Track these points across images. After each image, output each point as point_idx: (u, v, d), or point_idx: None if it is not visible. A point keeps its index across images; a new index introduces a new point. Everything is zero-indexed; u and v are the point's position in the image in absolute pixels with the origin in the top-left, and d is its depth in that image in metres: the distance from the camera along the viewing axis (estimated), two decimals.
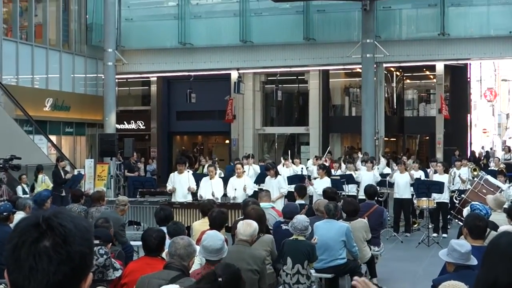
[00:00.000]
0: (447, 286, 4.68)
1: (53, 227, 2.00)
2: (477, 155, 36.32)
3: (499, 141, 79.66)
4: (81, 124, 28.86)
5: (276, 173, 16.21)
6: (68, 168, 21.23)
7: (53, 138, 26.18)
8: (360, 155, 23.01)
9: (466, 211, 9.46)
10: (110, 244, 7.53)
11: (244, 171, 16.71)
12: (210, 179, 15.49)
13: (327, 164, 19.80)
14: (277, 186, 15.71)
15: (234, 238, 8.87)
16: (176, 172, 15.93)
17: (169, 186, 15.87)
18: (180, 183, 15.56)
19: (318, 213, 10.43)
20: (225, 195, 16.07)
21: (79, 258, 2.01)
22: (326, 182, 15.89)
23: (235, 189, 15.51)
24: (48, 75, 26.73)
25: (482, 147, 51.67)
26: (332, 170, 20.31)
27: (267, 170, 16.48)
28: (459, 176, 18.13)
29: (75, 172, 21.66)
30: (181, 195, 15.48)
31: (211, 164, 17.58)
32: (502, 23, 25.94)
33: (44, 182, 19.89)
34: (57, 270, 1.97)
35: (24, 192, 17.89)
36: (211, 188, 15.06)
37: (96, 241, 7.17)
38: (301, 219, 8.72)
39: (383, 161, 21.66)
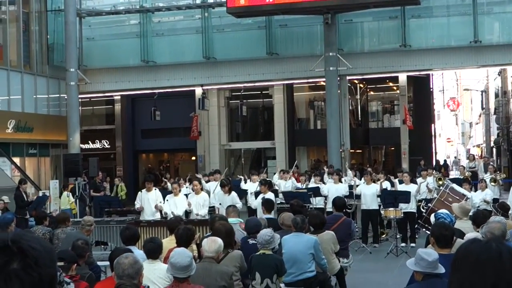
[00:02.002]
0: None
1: (23, 249, 1.98)
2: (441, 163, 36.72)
3: (463, 150, 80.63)
4: (44, 145, 28.49)
5: (230, 190, 16.09)
6: (30, 190, 21.09)
7: (16, 160, 25.84)
8: (326, 169, 23.06)
9: (432, 219, 9.51)
10: (75, 264, 7.40)
11: (202, 188, 16.62)
12: (175, 196, 15.49)
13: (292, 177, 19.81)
14: (231, 202, 15.61)
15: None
16: (144, 190, 15.91)
17: (137, 205, 15.84)
18: (148, 201, 15.52)
19: (284, 227, 10.36)
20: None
21: (50, 279, 2.01)
22: (270, 197, 15.77)
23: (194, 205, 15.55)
24: (10, 97, 26.37)
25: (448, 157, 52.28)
26: (299, 184, 20.34)
27: (221, 187, 16.41)
28: (426, 186, 18.26)
29: (40, 194, 21.43)
30: (150, 213, 15.45)
31: (175, 181, 17.53)
32: (462, 34, 26.28)
33: (68, 197, 20.86)
34: None
35: None
36: (175, 205, 15.06)
37: (61, 263, 7.06)
38: (263, 233, 8.68)
39: (349, 173, 21.75)
